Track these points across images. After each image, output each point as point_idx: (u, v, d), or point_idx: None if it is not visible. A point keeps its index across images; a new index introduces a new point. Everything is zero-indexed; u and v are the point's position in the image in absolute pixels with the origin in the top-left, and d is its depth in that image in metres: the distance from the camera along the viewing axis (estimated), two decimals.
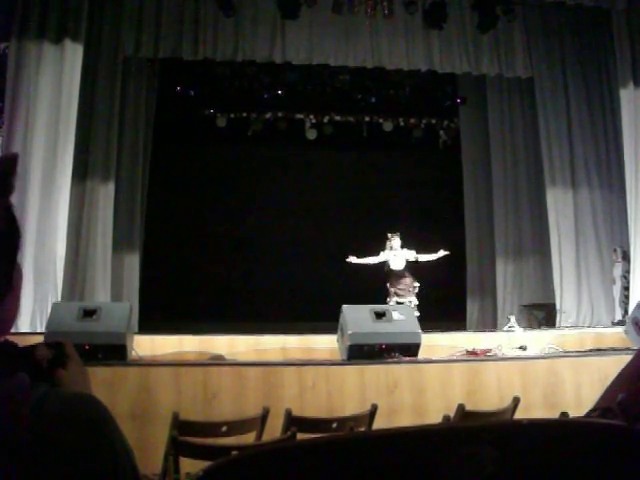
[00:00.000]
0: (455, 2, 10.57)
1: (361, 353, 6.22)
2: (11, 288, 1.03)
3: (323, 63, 10.65)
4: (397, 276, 9.41)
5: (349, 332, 6.29)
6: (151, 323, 9.63)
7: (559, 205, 10.98)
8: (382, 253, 9.46)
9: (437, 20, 10.31)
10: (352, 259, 9.45)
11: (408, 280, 9.38)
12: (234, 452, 3.51)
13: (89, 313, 6.23)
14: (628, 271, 10.07)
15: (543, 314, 11.24)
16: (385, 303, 8.99)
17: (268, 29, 10.14)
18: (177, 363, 6.29)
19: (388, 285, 9.49)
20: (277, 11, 10.00)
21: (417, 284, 9.42)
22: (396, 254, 9.40)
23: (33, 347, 1.04)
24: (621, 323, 9.34)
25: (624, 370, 1.26)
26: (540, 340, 8.01)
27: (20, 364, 1.01)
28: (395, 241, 9.43)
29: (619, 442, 1.00)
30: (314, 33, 10.29)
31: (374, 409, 4.56)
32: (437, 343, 7.51)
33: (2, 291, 1.01)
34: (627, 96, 9.93)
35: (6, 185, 1.02)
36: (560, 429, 1.02)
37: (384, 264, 9.48)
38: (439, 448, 0.94)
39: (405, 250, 9.44)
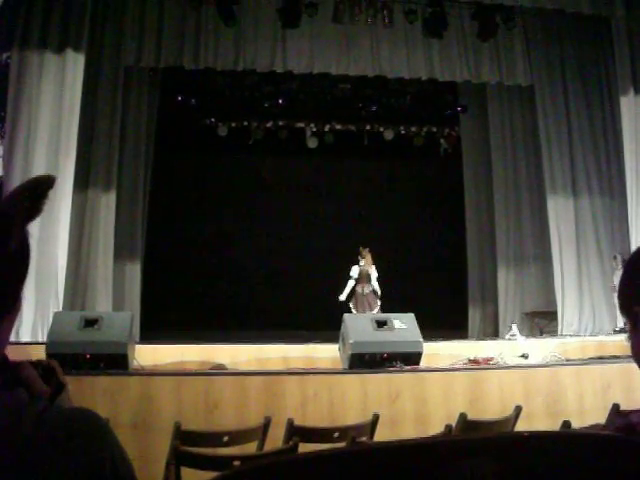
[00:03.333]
0: (455, 11, 10.61)
1: (362, 362, 6.21)
2: (12, 311, 1.03)
3: (324, 72, 10.69)
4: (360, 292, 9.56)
5: (350, 341, 6.29)
6: (153, 332, 9.61)
7: (560, 212, 10.98)
8: (354, 269, 9.62)
9: (437, 29, 10.34)
10: (342, 297, 9.61)
11: (370, 297, 9.50)
12: (236, 462, 3.51)
13: (90, 322, 6.23)
14: None
15: (545, 322, 11.23)
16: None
17: (269, 38, 10.18)
18: (179, 373, 6.28)
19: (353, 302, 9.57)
20: (278, 20, 10.04)
21: (379, 302, 9.50)
22: (363, 265, 9.55)
23: (18, 365, 1.03)
24: (623, 331, 9.31)
25: None
26: (542, 348, 7.99)
27: (17, 380, 1.01)
28: (366, 255, 9.59)
29: (625, 455, 1.00)
30: (315, 42, 10.32)
31: (376, 419, 4.56)
32: (439, 352, 7.49)
33: (6, 310, 1.02)
34: (627, 103, 9.94)
35: (36, 208, 1.02)
36: (562, 441, 1.02)
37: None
38: (441, 461, 0.94)
39: (373, 267, 9.60)
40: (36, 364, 1.06)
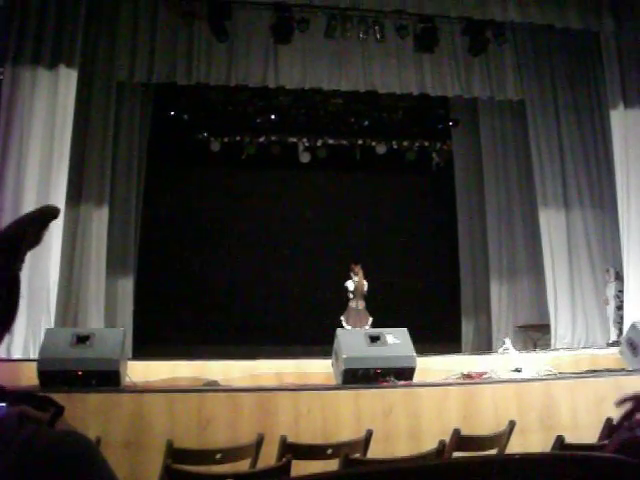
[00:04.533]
0: (446, 26, 10.70)
1: (356, 378, 6.19)
2: (6, 332, 1.04)
3: (316, 87, 10.73)
4: (354, 307, 9.69)
5: (343, 356, 6.27)
6: (145, 349, 9.57)
7: (552, 225, 11.02)
8: (350, 284, 9.75)
9: (428, 44, 10.42)
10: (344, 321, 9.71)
11: (362, 314, 9.63)
12: None
13: (82, 339, 6.20)
14: (621, 291, 10.09)
15: (538, 335, 11.25)
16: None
17: (261, 54, 10.22)
18: (171, 389, 6.25)
19: (345, 317, 9.67)
20: (270, 36, 10.09)
21: (370, 318, 9.62)
22: (357, 280, 9.69)
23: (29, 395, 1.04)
24: (616, 344, 9.33)
25: None
26: (535, 362, 7.99)
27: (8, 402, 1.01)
28: (359, 272, 9.72)
29: (619, 476, 0.99)
30: (307, 58, 10.38)
31: (369, 435, 4.54)
32: (432, 366, 7.48)
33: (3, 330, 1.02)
34: (617, 117, 10.01)
35: (40, 237, 1.04)
36: (553, 463, 1.02)
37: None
38: None
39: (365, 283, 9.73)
40: (31, 396, 1.07)
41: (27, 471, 0.93)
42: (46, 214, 1.05)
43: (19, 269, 1.04)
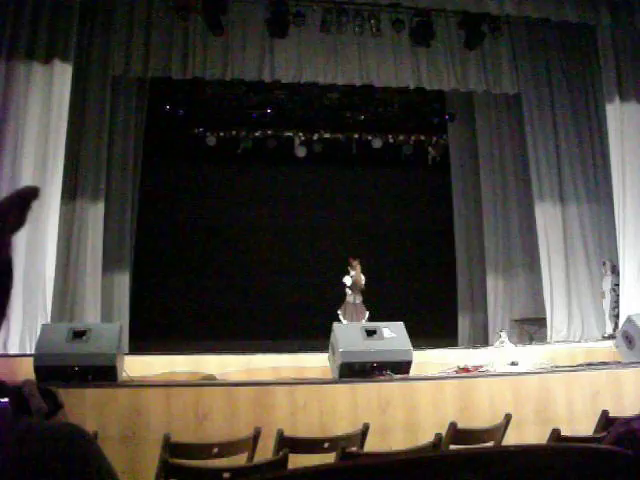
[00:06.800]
0: (442, 20, 10.68)
1: (352, 371, 6.20)
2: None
3: (312, 81, 10.72)
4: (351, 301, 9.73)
5: (340, 350, 6.28)
6: (142, 343, 9.57)
7: (548, 219, 11.04)
8: (347, 278, 9.78)
9: (424, 38, 10.41)
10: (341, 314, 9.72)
11: (360, 307, 9.66)
12: (225, 474, 3.49)
13: (79, 334, 6.19)
14: (617, 284, 10.12)
15: (534, 328, 11.29)
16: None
17: (257, 48, 10.20)
18: (168, 384, 6.25)
19: (342, 311, 9.71)
20: (266, 30, 10.07)
21: (367, 312, 9.65)
22: (354, 275, 9.72)
23: (24, 381, 1.04)
24: (611, 337, 9.36)
25: None
26: (531, 355, 8.01)
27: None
28: (357, 266, 9.75)
29: (612, 467, 0.99)
30: (303, 52, 10.36)
31: (366, 428, 4.54)
32: (429, 360, 7.50)
33: None
34: (613, 111, 10.01)
35: (23, 219, 1.03)
36: (548, 455, 1.02)
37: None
38: (429, 476, 0.94)
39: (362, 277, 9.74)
40: (36, 386, 1.07)
41: (23, 464, 0.93)
42: (26, 194, 1.04)
43: (8, 253, 1.02)
